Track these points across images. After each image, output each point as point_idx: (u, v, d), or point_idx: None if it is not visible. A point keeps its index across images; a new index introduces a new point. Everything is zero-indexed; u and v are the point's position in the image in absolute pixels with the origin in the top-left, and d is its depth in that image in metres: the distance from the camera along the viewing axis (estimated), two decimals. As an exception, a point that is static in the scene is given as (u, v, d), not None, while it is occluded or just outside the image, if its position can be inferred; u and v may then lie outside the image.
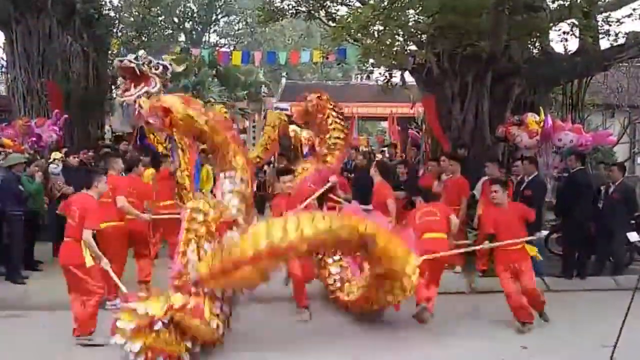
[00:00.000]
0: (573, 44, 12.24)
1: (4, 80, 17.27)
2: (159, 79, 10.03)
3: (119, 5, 18.67)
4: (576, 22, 11.02)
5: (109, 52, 16.38)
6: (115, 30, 17.21)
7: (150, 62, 10.04)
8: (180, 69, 10.77)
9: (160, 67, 10.17)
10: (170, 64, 10.64)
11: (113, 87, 16.94)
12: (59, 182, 10.16)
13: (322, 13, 13.12)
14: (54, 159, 10.65)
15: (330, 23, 12.94)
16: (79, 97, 13.71)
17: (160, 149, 10.60)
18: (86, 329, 6.52)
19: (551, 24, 11.03)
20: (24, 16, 13.50)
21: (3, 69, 16.16)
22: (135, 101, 9.51)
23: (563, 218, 10.04)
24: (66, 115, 11.38)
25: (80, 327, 6.52)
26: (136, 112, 9.31)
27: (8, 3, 13.41)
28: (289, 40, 36.16)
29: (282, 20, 14.37)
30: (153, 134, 10.60)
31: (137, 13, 18.58)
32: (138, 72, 9.84)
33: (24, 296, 8.31)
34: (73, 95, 13.48)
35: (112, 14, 17.40)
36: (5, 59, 15.76)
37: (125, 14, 18.71)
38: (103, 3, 16.17)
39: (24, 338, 6.84)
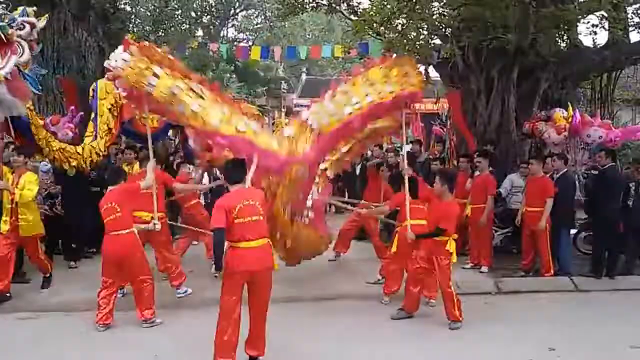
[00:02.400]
0: (602, 37, 12.10)
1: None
2: (25, 43, 7.98)
3: (136, -1, 18.60)
4: (605, 15, 10.85)
5: (125, 47, 16.21)
6: (131, 25, 17.08)
7: (13, 20, 7.91)
8: (42, 23, 8.46)
9: (27, 26, 7.99)
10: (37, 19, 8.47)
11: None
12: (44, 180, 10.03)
13: (344, 6, 12.93)
14: (41, 161, 10.53)
15: (352, 17, 12.73)
16: (94, 93, 13.57)
17: None
18: (152, 311, 7.17)
19: (580, 17, 10.76)
20: (38, 11, 13.33)
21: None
22: (11, 74, 7.61)
23: (592, 216, 9.81)
24: (82, 113, 11.19)
25: (149, 310, 7.12)
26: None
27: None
28: (309, 34, 35.99)
29: (302, 14, 14.18)
30: None
31: (153, 7, 18.46)
32: (3, 38, 7.72)
33: (40, 298, 8.22)
34: (88, 92, 13.33)
35: (127, 8, 17.28)
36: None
37: (141, 8, 18.60)
38: (119, -3, 16.05)
39: (41, 340, 6.78)
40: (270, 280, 5.83)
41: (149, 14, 18.88)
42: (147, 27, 18.54)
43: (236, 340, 5.71)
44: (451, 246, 7.06)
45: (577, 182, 10.15)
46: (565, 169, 9.49)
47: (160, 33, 18.46)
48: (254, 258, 5.65)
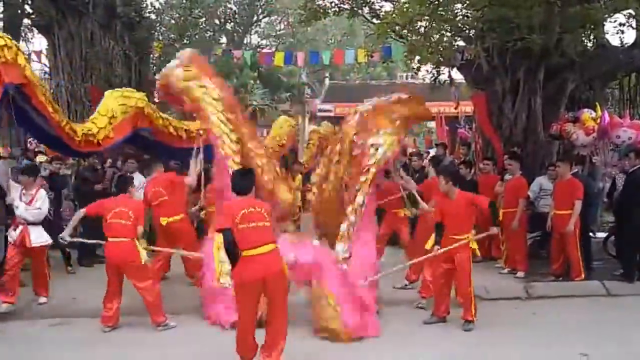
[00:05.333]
0: (630, 36, 11.83)
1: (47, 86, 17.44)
2: None
3: (160, 8, 18.72)
4: (633, 13, 10.66)
5: (151, 55, 16.41)
6: (156, 33, 17.25)
7: None
8: None
9: None
10: None
11: (155, 91, 17.05)
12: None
13: (366, 10, 12.93)
14: (40, 162, 10.62)
15: (374, 20, 12.70)
16: (121, 101, 13.74)
17: None
18: (162, 315, 7.24)
19: (606, 16, 10.62)
20: (65, 20, 13.62)
21: (46, 76, 16.31)
22: None
23: (622, 218, 9.58)
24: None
25: (158, 314, 7.22)
26: None
27: (50, 8, 13.52)
28: (331, 39, 35.99)
29: (324, 19, 14.17)
30: None
31: (178, 15, 18.62)
32: None
33: (71, 303, 8.30)
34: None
35: (153, 16, 17.43)
36: (48, 65, 15.92)
37: (166, 17, 18.77)
38: (144, 6, 16.22)
39: (71, 345, 6.83)
40: (284, 284, 5.70)
41: (173, 22, 19.01)
42: (172, 35, 18.67)
43: (254, 343, 5.70)
44: (473, 244, 7.06)
45: (606, 184, 10.03)
46: (575, 169, 9.41)
47: (185, 41, 18.59)
48: (262, 264, 5.50)
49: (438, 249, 7.11)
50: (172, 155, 10.54)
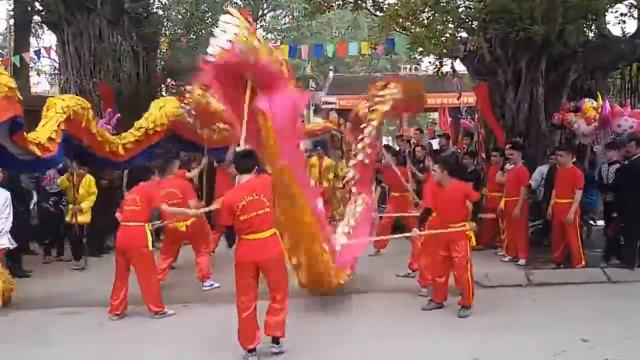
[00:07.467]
0: (631, 26, 11.86)
1: (57, 82, 17.62)
2: None
3: (167, 3, 18.82)
4: (634, 3, 10.70)
5: (158, 50, 16.55)
6: (163, 29, 17.36)
7: None
8: None
9: None
10: None
11: (163, 85, 17.25)
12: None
13: (369, 3, 12.96)
14: None
15: (378, 13, 12.77)
16: (129, 96, 13.90)
17: None
18: (160, 304, 7.40)
19: (607, 6, 10.65)
20: (74, 17, 13.75)
21: (55, 71, 16.50)
22: None
23: (621, 207, 9.59)
24: (119, 115, 11.43)
25: (156, 304, 7.36)
26: None
27: (59, 5, 13.67)
28: (335, 32, 35.99)
29: (328, 12, 14.24)
30: None
31: (184, 10, 18.70)
32: None
33: (81, 292, 8.49)
34: (124, 95, 13.66)
35: (160, 12, 17.56)
36: (57, 61, 16.10)
37: (173, 12, 18.86)
38: (151, 2, 16.33)
39: (81, 334, 6.96)
40: (281, 266, 5.93)
41: (180, 17, 19.09)
42: (179, 30, 18.78)
43: (255, 324, 5.86)
44: (469, 232, 7.19)
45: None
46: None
47: (192, 35, 18.71)
48: (258, 249, 5.76)
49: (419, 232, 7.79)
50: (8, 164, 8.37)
